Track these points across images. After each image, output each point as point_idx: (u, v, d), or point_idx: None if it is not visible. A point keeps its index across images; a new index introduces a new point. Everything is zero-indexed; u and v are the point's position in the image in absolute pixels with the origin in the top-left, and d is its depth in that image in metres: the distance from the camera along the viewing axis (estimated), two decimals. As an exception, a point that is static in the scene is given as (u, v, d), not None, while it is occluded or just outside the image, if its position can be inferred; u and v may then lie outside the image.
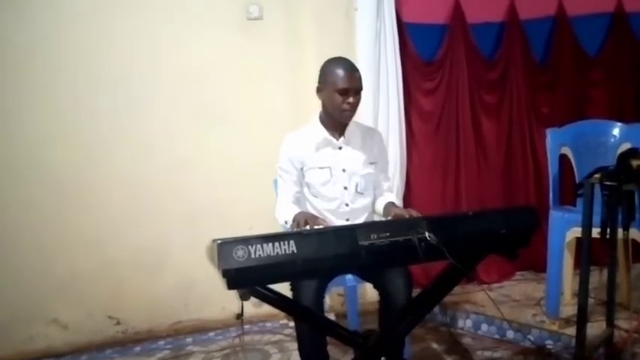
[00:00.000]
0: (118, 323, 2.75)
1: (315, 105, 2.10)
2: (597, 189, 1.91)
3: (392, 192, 2.23)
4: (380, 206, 2.10)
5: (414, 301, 1.84)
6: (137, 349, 2.69)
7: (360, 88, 1.98)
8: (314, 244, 1.40)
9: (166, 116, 2.75)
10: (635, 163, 1.80)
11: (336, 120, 2.03)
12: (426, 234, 1.49)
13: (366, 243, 1.45)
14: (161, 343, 2.73)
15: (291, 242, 1.37)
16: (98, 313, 2.72)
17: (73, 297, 2.66)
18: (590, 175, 1.91)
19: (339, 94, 1.94)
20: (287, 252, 1.36)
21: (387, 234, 1.48)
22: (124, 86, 2.69)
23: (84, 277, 2.67)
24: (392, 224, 1.59)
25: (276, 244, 1.35)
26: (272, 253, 1.34)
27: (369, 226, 1.52)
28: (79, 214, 2.66)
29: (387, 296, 1.89)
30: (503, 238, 1.61)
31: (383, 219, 2.04)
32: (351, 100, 1.95)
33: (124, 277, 2.74)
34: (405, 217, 1.77)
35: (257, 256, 1.33)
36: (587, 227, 1.88)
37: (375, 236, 1.47)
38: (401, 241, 1.48)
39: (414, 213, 1.79)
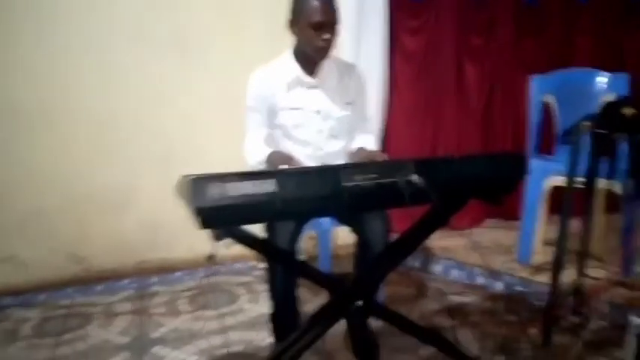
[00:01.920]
0: (81, 261, 2.62)
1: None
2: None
3: (370, 133, 2.08)
4: (351, 149, 1.97)
5: (392, 246, 1.78)
6: (100, 287, 2.59)
7: (336, 22, 1.79)
8: (295, 184, 1.29)
9: (135, 46, 2.52)
10: (628, 111, 1.74)
11: (310, 57, 1.85)
12: (413, 176, 1.41)
13: (350, 184, 1.35)
14: (125, 282, 2.63)
15: (272, 181, 1.26)
16: (60, 250, 2.57)
17: (34, 234, 2.51)
18: (580, 121, 1.84)
19: (312, 28, 1.75)
20: (267, 191, 1.25)
21: (373, 175, 1.38)
22: (86, 13, 2.43)
23: (46, 214, 2.51)
24: (378, 166, 1.49)
25: (255, 182, 1.24)
26: (250, 192, 1.23)
27: (353, 167, 1.42)
28: (42, 148, 2.46)
29: (365, 240, 1.82)
30: (489, 183, 1.55)
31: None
32: (326, 35, 1.77)
33: (88, 215, 2.59)
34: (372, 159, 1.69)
35: (234, 194, 1.21)
36: (571, 173, 1.84)
37: (360, 178, 1.37)
38: (386, 183, 1.39)
39: (378, 156, 1.71)
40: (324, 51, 1.81)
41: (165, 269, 2.72)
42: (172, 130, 2.66)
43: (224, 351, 2.01)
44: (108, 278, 2.63)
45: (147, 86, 2.58)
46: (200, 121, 2.69)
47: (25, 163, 2.45)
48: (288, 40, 1.91)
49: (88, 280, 2.60)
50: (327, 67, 1.90)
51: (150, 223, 2.68)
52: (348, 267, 2.04)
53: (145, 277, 2.67)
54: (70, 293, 2.53)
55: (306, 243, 2.89)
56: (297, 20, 1.80)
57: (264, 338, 2.07)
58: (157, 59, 2.58)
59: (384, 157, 1.72)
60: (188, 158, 2.64)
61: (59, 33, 2.42)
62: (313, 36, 1.76)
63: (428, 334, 1.89)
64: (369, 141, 1.99)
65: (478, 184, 1.55)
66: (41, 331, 2.19)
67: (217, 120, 2.69)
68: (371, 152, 1.85)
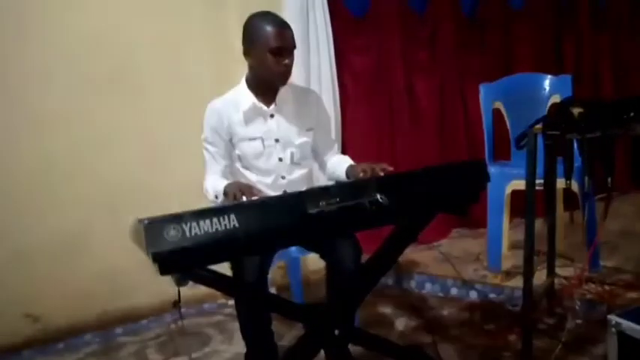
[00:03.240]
0: (36, 320, 2.45)
1: (243, 69, 1.88)
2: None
3: (341, 153, 2.03)
4: (339, 170, 1.88)
5: (364, 268, 1.74)
6: (60, 346, 2.42)
7: (294, 47, 1.77)
8: (257, 216, 1.24)
9: (70, 89, 2.42)
10: (576, 111, 1.78)
11: (268, 84, 1.82)
12: (377, 196, 1.38)
13: (314, 211, 1.30)
14: (88, 336, 2.47)
15: (232, 216, 1.20)
16: (12, 310, 2.40)
17: (-22, 294, 2.34)
18: (533, 125, 1.87)
19: (271, 54, 1.72)
20: (227, 227, 1.19)
21: (337, 199, 1.34)
22: (17, 59, 2.33)
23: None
24: (339, 188, 1.45)
25: (214, 219, 1.18)
26: (210, 230, 1.17)
27: (316, 193, 1.37)
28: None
29: (336, 265, 1.78)
30: (454, 193, 1.54)
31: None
32: (286, 61, 1.74)
33: (38, 269, 2.43)
34: (375, 173, 1.62)
35: (193, 234, 1.14)
36: (531, 177, 1.85)
37: (324, 203, 1.33)
38: (351, 205, 1.35)
39: (381, 167, 1.62)
40: (284, 76, 1.78)
41: (130, 318, 2.57)
42: (121, 171, 2.54)
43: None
44: (68, 335, 2.47)
45: (88, 128, 2.47)
46: (148, 160, 2.59)
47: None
48: (231, 74, 1.87)
49: (46, 340, 2.43)
50: (283, 94, 1.86)
51: (107, 271, 2.53)
52: (321, 293, 1.98)
53: (109, 329, 2.52)
54: (28, 356, 2.36)
55: (275, 273, 2.81)
56: (254, 47, 1.76)
57: (242, 379, 1.97)
58: (97, 101, 2.47)
59: (385, 165, 1.63)
60: (140, 200, 2.50)
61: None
62: (272, 62, 1.73)
63: (409, 354, 1.85)
64: (348, 160, 1.92)
65: (443, 195, 1.54)
66: (-3, 403, 2.02)
67: (164, 158, 2.60)
68: (376, 164, 1.68)
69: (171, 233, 1.13)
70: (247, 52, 1.79)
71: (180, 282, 1.23)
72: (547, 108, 2.60)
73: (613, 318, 1.54)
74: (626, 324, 1.51)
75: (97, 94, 2.48)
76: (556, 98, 2.58)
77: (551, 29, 3.46)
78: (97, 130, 2.49)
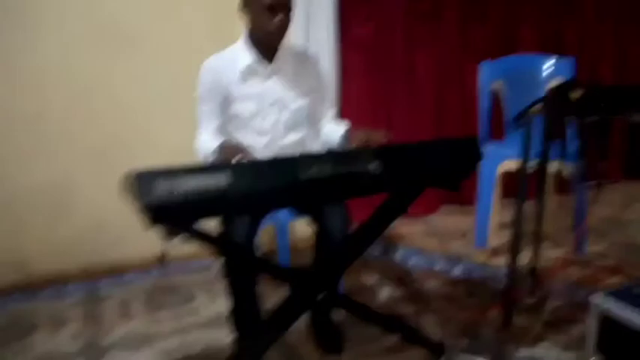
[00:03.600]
0: (21, 267, 2.45)
1: (240, 25, 1.84)
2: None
3: (339, 120, 2.00)
4: (334, 137, 1.87)
5: (353, 236, 1.74)
6: (45, 293, 2.43)
7: (290, 5, 1.73)
8: (249, 177, 1.23)
9: (64, 37, 2.37)
10: (573, 95, 1.77)
11: (265, 42, 1.79)
12: (371, 165, 1.38)
13: (306, 176, 1.30)
14: (72, 287, 2.49)
15: (223, 174, 1.19)
16: (-3, 256, 2.41)
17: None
18: (531, 105, 1.86)
19: (267, 10, 1.68)
20: (218, 185, 1.18)
21: (329, 165, 1.34)
22: (9, 10, 2.27)
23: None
24: (332, 155, 1.44)
25: (205, 176, 1.17)
26: (201, 186, 1.16)
27: (309, 158, 1.36)
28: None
29: (324, 231, 1.78)
30: (447, 168, 1.54)
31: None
32: (281, 16, 1.70)
33: (25, 218, 2.43)
34: (371, 143, 1.62)
35: (184, 189, 1.14)
36: (525, 157, 1.85)
37: (317, 168, 1.32)
38: (344, 173, 1.35)
39: (380, 135, 1.62)
40: (278, 34, 1.74)
41: (115, 271, 2.59)
42: (110, 122, 2.52)
43: (183, 353, 1.93)
44: (53, 282, 2.48)
45: (78, 80, 2.43)
46: (139, 112, 2.56)
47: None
48: (229, 28, 1.83)
49: (30, 286, 2.44)
50: (282, 55, 1.83)
51: (93, 223, 2.54)
52: (307, 260, 1.99)
53: (94, 280, 2.53)
54: (15, 299, 2.37)
55: (263, 237, 2.82)
56: (249, 3, 1.72)
57: (224, 337, 1.99)
58: (88, 53, 2.43)
59: (384, 133, 1.64)
60: (129, 152, 2.49)
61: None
62: (267, 18, 1.70)
63: (391, 323, 1.88)
64: (342, 127, 1.90)
65: (436, 170, 1.54)
66: (-21, 345, 2.03)
67: (158, 110, 2.57)
68: (374, 131, 1.70)
69: (162, 186, 1.12)
70: (243, 9, 1.76)
71: (167, 235, 1.23)
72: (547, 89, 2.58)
73: (595, 298, 1.57)
74: (608, 305, 1.54)
75: (89, 45, 2.43)
76: (556, 80, 2.56)
77: (554, 11, 3.41)
78: (87, 82, 2.45)
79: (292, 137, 1.91)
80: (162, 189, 1.12)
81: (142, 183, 1.11)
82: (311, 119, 1.95)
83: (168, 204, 1.13)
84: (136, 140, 2.54)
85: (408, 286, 2.39)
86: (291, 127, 1.89)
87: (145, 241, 2.50)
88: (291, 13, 1.75)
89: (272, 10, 1.69)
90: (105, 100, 2.49)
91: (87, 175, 2.50)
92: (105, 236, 2.56)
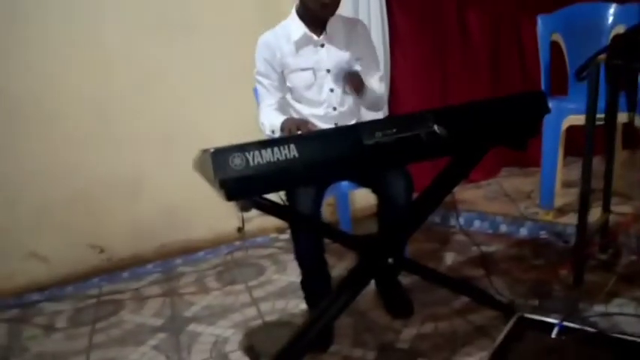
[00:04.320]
0: (102, 251, 2.63)
1: (288, 4, 1.88)
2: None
3: (382, 82, 2.02)
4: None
5: (416, 202, 1.76)
6: (125, 274, 2.60)
7: None
8: (316, 147, 1.28)
9: (124, 28, 2.48)
10: (643, 39, 1.68)
11: (316, 14, 1.82)
12: (435, 127, 1.38)
13: (371, 142, 1.32)
14: (150, 266, 2.65)
15: (292, 146, 1.24)
16: (78, 242, 2.58)
17: (50, 228, 2.51)
18: (596, 55, 1.79)
19: None
20: (288, 157, 1.23)
21: (393, 130, 1.35)
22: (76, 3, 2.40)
23: (58, 207, 2.51)
24: (397, 120, 1.46)
25: (276, 149, 1.22)
26: (272, 159, 1.21)
27: (372, 124, 1.39)
28: (43, 141, 2.44)
29: (388, 199, 1.80)
30: (512, 126, 1.52)
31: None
32: None
33: (100, 204, 2.59)
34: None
35: (256, 163, 1.19)
36: (592, 110, 1.79)
37: (380, 134, 1.34)
38: (408, 137, 1.36)
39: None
40: (331, 7, 1.77)
41: (188, 250, 2.73)
42: (172, 111, 2.62)
43: (259, 322, 2.02)
44: (131, 265, 2.65)
45: (141, 70, 2.54)
46: (198, 98, 2.65)
47: (28, 158, 2.43)
48: (279, 8, 1.87)
49: (111, 269, 2.62)
50: (333, 24, 1.86)
51: (165, 206, 2.67)
52: (367, 230, 2.03)
53: (169, 259, 2.68)
54: (96, 283, 2.55)
55: (324, 210, 2.87)
56: None
57: (297, 305, 2.08)
58: (150, 40, 2.53)
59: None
60: (194, 137, 2.57)
61: (50, 25, 2.37)
62: None
63: (459, 285, 1.90)
64: (375, 86, 1.94)
65: (501, 128, 1.52)
66: (76, 322, 2.21)
67: (216, 95, 2.64)
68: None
69: (236, 161, 1.18)
70: None
71: (243, 208, 1.29)
72: (609, 39, 2.46)
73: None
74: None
75: (149, 34, 2.53)
76: (620, 29, 2.43)
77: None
78: (149, 69, 2.55)
79: (349, 103, 1.93)
80: (236, 164, 1.18)
81: (216, 160, 1.17)
82: None
83: (242, 179, 1.18)
84: (198, 124, 2.63)
85: (472, 251, 2.38)
86: (346, 92, 1.92)
87: (212, 221, 2.66)
88: None
89: None
90: (166, 87, 2.59)
91: (155, 159, 2.62)
92: (176, 218, 2.70)
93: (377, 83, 1.96)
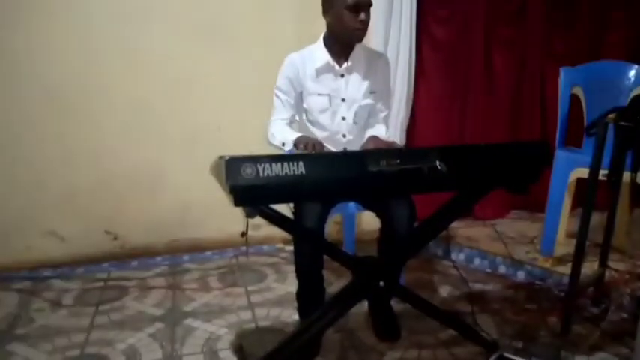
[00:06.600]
0: (116, 238, 2.76)
1: (322, 25, 1.99)
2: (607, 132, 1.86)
3: (385, 124, 2.11)
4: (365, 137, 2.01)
5: (416, 230, 1.84)
6: (134, 263, 2.73)
7: (370, 3, 1.87)
8: (323, 168, 1.37)
9: (164, 33, 2.64)
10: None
11: (345, 43, 1.93)
12: (437, 163, 1.47)
13: (375, 169, 1.42)
14: (158, 259, 2.77)
15: (300, 163, 1.33)
16: (96, 227, 2.72)
17: (72, 211, 2.66)
18: (606, 114, 1.86)
19: (349, 11, 1.83)
20: (295, 173, 1.33)
21: (397, 161, 1.45)
22: (119, 1, 2.56)
23: (82, 192, 2.66)
24: (402, 152, 1.56)
25: (285, 164, 1.32)
26: (281, 173, 1.31)
27: (379, 153, 1.48)
28: (76, 129, 2.60)
29: (390, 224, 1.88)
30: (513, 171, 1.59)
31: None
32: (362, 16, 1.84)
33: (122, 194, 2.73)
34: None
35: (265, 174, 1.29)
36: (596, 165, 1.86)
37: (385, 163, 1.44)
38: (410, 169, 1.45)
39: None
40: (360, 33, 1.88)
41: (196, 248, 2.84)
42: (200, 114, 2.76)
43: (252, 325, 2.11)
44: (141, 254, 2.77)
45: (178, 71, 2.68)
46: (225, 105, 2.77)
47: (60, 143, 2.59)
48: (316, 28, 1.98)
49: (122, 256, 2.75)
50: (356, 54, 1.97)
51: (180, 204, 2.79)
52: (371, 252, 2.10)
53: (177, 254, 2.80)
54: (106, 267, 2.68)
55: (331, 228, 2.96)
56: (332, 5, 1.87)
57: (290, 315, 2.17)
58: (189, 45, 2.68)
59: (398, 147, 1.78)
60: (216, 140, 2.72)
61: (93, 18, 2.53)
62: (349, 18, 1.84)
63: (448, 318, 1.95)
64: (381, 131, 2.04)
65: (502, 172, 1.60)
66: (82, 301, 2.33)
67: (242, 104, 2.76)
68: (387, 142, 1.91)
69: (248, 171, 1.28)
70: (326, 11, 1.91)
71: (249, 215, 1.39)
72: (628, 99, 2.52)
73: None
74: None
75: (189, 39, 2.67)
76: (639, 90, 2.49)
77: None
78: (182, 72, 2.69)
79: (354, 133, 2.03)
80: (247, 174, 1.28)
81: (230, 167, 1.27)
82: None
83: (251, 187, 1.29)
84: (224, 128, 2.76)
85: (468, 286, 2.43)
86: (356, 122, 2.02)
87: (223, 224, 2.77)
88: (370, 10, 1.87)
89: (355, 9, 1.83)
90: (199, 90, 2.74)
91: (177, 158, 2.76)
92: (189, 217, 2.82)
93: (381, 125, 2.06)
